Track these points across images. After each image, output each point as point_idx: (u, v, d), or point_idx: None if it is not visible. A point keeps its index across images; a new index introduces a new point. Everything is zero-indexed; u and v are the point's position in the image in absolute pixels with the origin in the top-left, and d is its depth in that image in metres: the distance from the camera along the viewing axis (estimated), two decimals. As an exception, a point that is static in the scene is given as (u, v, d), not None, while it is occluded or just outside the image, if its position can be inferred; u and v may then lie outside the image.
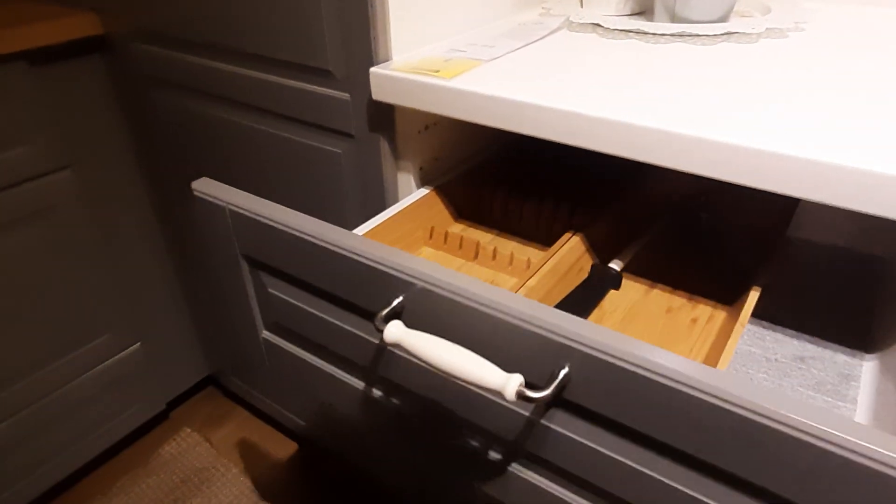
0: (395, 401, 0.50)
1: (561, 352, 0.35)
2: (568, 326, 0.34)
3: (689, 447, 0.33)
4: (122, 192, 1.08)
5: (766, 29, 0.69)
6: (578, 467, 0.40)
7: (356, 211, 0.76)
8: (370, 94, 0.63)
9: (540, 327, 0.35)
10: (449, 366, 0.36)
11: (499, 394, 0.35)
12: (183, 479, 1.20)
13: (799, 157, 0.42)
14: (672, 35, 0.69)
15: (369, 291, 0.43)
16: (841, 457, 0.28)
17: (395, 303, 0.42)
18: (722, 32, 0.68)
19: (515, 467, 0.44)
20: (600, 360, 0.33)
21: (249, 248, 0.52)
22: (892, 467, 0.27)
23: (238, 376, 1.27)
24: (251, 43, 0.73)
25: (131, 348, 1.16)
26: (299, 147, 0.77)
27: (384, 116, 0.67)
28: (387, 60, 0.64)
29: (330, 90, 0.69)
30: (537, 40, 0.70)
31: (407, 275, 0.40)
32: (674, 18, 0.72)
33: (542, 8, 0.85)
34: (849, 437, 0.28)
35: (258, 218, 0.48)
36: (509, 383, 0.34)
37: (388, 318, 0.41)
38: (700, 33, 0.68)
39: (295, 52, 0.69)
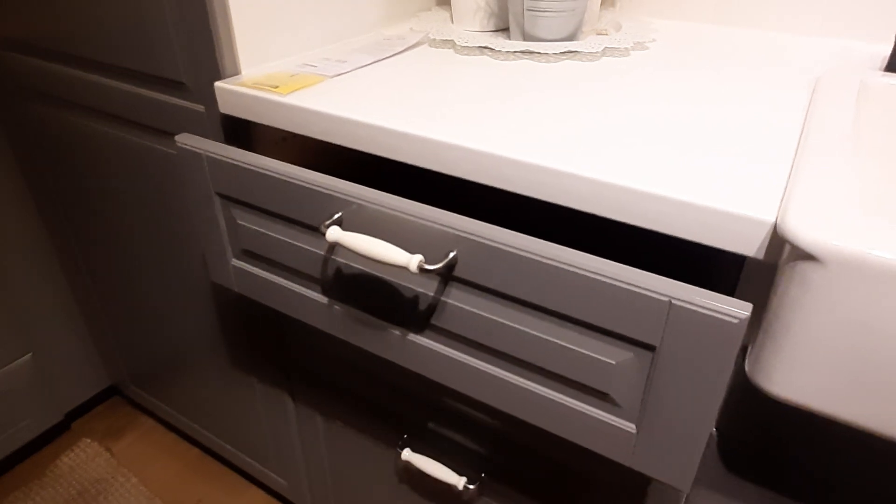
0: (339, 301, 0.60)
1: (450, 240, 0.48)
2: (455, 222, 0.47)
3: (547, 303, 0.45)
4: (4, 205, 1.06)
5: (605, 48, 0.74)
6: (469, 330, 0.52)
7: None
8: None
9: (434, 223, 0.48)
10: (372, 252, 0.49)
11: (405, 269, 0.48)
12: (79, 491, 1.19)
13: (551, 169, 0.46)
14: (518, 52, 0.73)
15: (316, 210, 0.55)
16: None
17: (335, 216, 0.54)
18: (563, 51, 0.72)
19: (423, 339, 0.56)
20: (479, 243, 0.46)
21: (222, 185, 0.62)
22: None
23: (144, 387, 1.26)
24: (109, 53, 0.73)
25: (21, 360, 1.14)
26: (163, 158, 0.78)
27: (239, 128, 0.69)
28: (235, 74, 0.65)
29: (185, 102, 0.70)
30: (390, 56, 0.72)
31: (344, 195, 0.53)
32: (525, 36, 0.76)
33: (412, 23, 0.88)
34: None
35: (229, 160, 0.59)
36: (412, 260, 0.47)
37: (329, 226, 0.52)
38: (542, 51, 0.71)
39: (149, 63, 0.70)
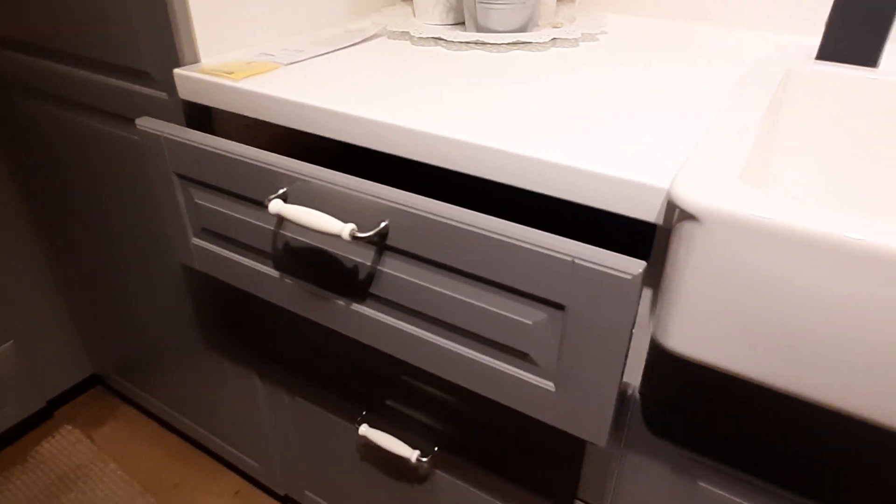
0: (289, 275, 0.64)
1: (382, 210, 0.51)
2: (385, 193, 0.51)
3: (468, 267, 0.49)
4: (-13, 190, 1.09)
5: (554, 39, 0.77)
6: (403, 297, 0.55)
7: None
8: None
9: (367, 195, 0.52)
10: (309, 222, 0.53)
11: (339, 237, 0.51)
12: (60, 476, 1.21)
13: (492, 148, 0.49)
14: (468, 43, 0.76)
15: (263, 185, 0.59)
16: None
17: (280, 191, 0.57)
18: (512, 42, 0.75)
19: (364, 308, 0.59)
20: (407, 212, 0.50)
21: (179, 166, 0.65)
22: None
23: (124, 375, 1.29)
24: (76, 44, 0.77)
25: (2, 347, 1.17)
26: (131, 146, 0.81)
27: (202, 114, 0.72)
28: (195, 62, 0.69)
29: (149, 90, 0.73)
30: (347, 46, 0.76)
31: (286, 170, 0.56)
32: (478, 28, 0.79)
33: (375, 17, 0.91)
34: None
35: (184, 141, 0.63)
36: (345, 228, 0.51)
37: (273, 200, 0.56)
38: (492, 42, 0.75)
39: (114, 53, 0.73)
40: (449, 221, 0.47)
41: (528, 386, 0.51)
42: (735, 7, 0.85)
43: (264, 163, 0.57)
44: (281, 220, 0.60)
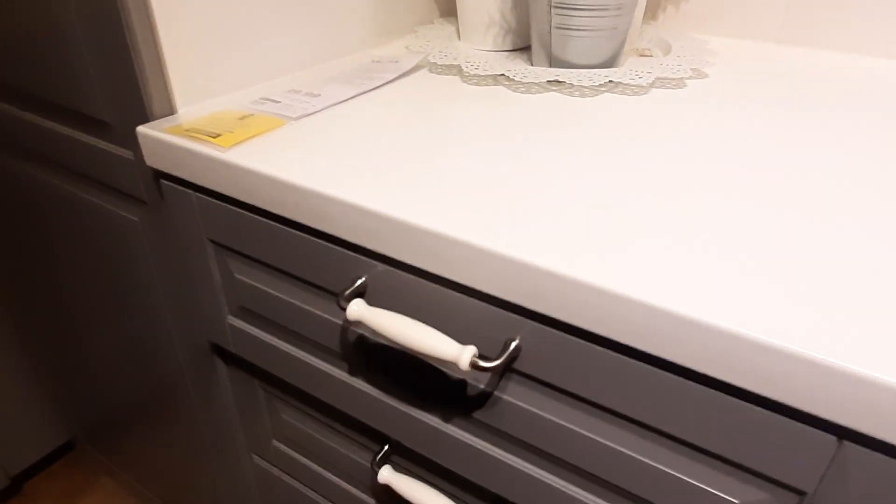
0: (358, 378, 0.48)
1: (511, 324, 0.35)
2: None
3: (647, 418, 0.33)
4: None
5: (656, 79, 0.57)
6: (526, 432, 0.39)
7: (170, 289, 0.61)
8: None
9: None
10: (411, 340, 0.37)
11: (454, 364, 0.37)
12: (23, 572, 1.03)
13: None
14: (543, 84, 0.56)
15: (333, 272, 0.43)
16: None
17: (358, 283, 0.41)
18: (602, 82, 0.55)
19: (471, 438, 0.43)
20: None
21: (214, 231, 0.49)
22: None
23: (99, 445, 1.10)
24: (32, 83, 0.57)
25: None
26: (93, 209, 0.62)
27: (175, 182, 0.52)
28: (169, 114, 0.49)
29: (111, 146, 0.54)
30: (380, 86, 0.56)
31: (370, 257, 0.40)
32: (551, 61, 0.60)
33: (410, 39, 0.71)
34: None
35: (224, 204, 0.46)
36: (464, 353, 0.35)
37: (350, 297, 0.40)
38: (576, 83, 0.55)
39: (69, 96, 0.54)
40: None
41: None
42: (879, 29, 0.65)
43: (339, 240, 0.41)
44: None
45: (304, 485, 0.66)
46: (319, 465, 0.62)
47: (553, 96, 0.55)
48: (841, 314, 0.27)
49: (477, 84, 0.57)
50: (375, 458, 0.52)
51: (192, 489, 0.90)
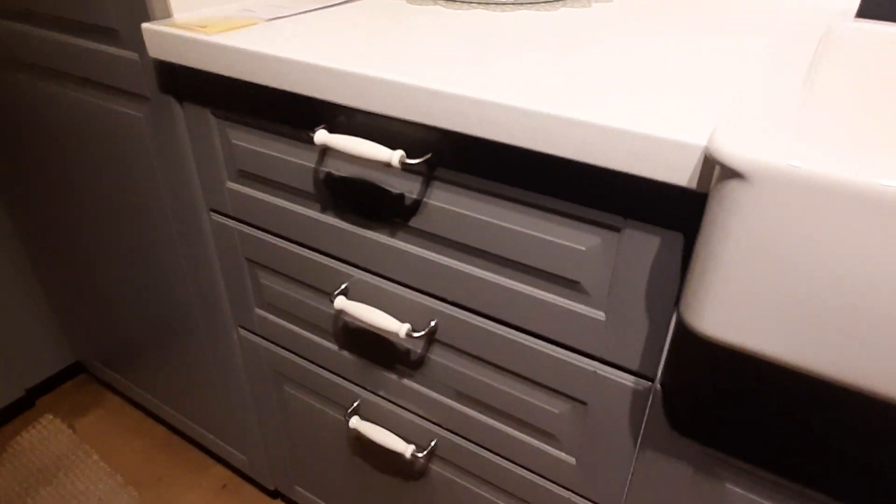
0: (328, 214, 0.63)
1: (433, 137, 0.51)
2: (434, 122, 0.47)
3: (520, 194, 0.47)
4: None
5: (564, -3, 0.71)
6: (446, 229, 0.54)
7: (168, 179, 0.74)
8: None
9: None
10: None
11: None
12: (39, 468, 1.16)
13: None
14: (470, 3, 0.70)
15: (301, 118, 0.58)
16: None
17: (322, 125, 0.57)
18: (517, 1, 0.68)
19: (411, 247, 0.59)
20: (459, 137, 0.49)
21: (214, 104, 0.64)
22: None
23: (108, 364, 1.23)
24: (45, 4, 0.70)
25: (-24, 332, 1.11)
26: (101, 112, 0.75)
27: (179, 79, 0.65)
28: (167, 17, 0.62)
29: (119, 50, 0.67)
30: (335, 4, 0.69)
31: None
32: (480, -15, 0.73)
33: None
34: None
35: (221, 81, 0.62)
36: (394, 155, 0.50)
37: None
38: (496, 1, 0.68)
39: (80, 10, 0.66)
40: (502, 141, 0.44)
41: (577, 317, 0.49)
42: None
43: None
44: (323, 152, 0.58)
45: (284, 348, 0.79)
46: (293, 324, 0.75)
47: (478, 12, 0.68)
48: (609, 94, 0.41)
49: (419, 4, 0.70)
50: (332, 294, 0.65)
51: (190, 385, 1.03)
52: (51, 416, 1.26)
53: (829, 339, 0.33)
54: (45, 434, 1.23)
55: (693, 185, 0.37)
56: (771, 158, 0.31)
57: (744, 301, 0.35)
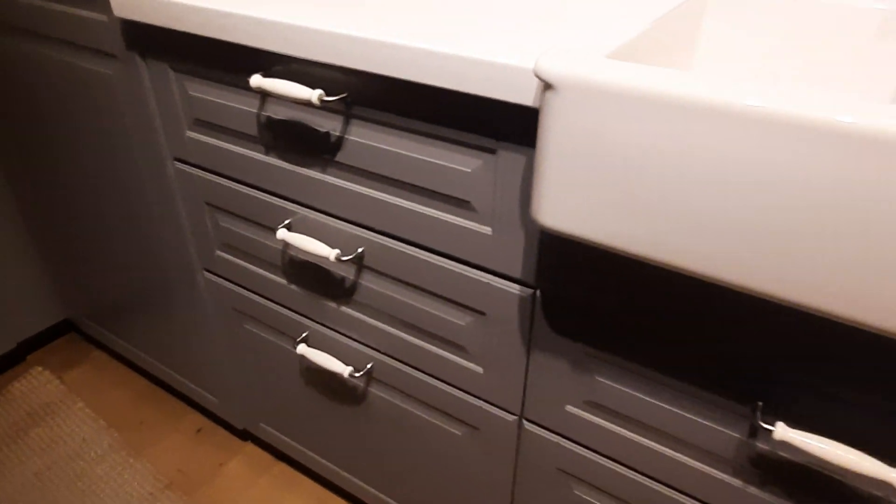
0: (271, 155, 0.72)
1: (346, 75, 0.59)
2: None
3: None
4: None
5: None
6: (365, 161, 0.63)
7: (136, 131, 0.83)
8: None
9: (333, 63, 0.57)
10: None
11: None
12: (29, 413, 1.25)
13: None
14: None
15: (240, 66, 0.67)
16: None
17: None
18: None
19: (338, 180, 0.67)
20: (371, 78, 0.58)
21: (172, 59, 0.72)
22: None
23: (94, 318, 1.32)
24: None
25: (-30, 285, 1.20)
26: (73, 70, 0.83)
27: (151, 41, 0.74)
28: (131, -18, 0.71)
29: (86, 11, 0.75)
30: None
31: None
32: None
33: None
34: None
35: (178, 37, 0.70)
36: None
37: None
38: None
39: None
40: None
41: (470, 233, 0.58)
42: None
43: (245, 40, 0.62)
44: (263, 96, 0.67)
45: (242, 287, 0.88)
46: (249, 262, 0.84)
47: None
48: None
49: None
50: (275, 229, 0.74)
51: (167, 333, 1.11)
52: (40, 369, 1.35)
53: (640, 219, 0.41)
54: (35, 384, 1.32)
55: (537, 105, 0.46)
56: (569, 70, 0.39)
57: (568, 193, 0.43)
